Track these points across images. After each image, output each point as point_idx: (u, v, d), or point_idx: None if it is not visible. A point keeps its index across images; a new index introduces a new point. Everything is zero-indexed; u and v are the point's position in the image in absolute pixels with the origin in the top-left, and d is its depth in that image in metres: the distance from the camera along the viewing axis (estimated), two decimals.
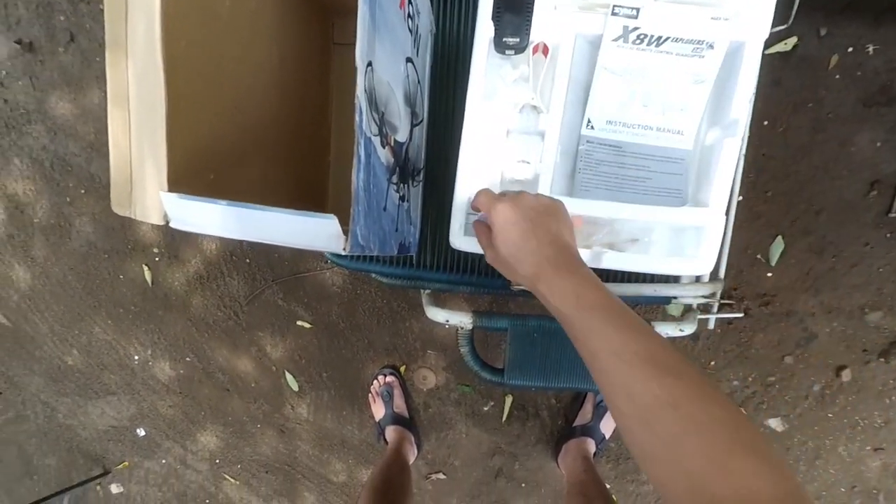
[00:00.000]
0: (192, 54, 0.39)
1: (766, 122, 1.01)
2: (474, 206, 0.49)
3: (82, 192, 1.27)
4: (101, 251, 1.30)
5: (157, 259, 1.27)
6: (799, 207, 1.03)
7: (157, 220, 0.41)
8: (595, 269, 0.64)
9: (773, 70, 0.99)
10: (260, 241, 0.40)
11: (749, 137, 1.02)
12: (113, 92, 0.43)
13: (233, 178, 0.47)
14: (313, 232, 0.38)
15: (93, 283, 1.33)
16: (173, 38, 0.37)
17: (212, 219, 0.38)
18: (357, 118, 0.37)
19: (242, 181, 0.49)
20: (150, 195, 0.42)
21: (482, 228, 0.49)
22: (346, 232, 0.38)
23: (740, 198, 1.04)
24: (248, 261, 1.23)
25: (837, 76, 0.97)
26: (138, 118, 0.42)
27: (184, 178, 0.41)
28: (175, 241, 1.25)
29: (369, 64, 0.40)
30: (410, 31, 0.53)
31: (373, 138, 0.43)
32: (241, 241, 1.23)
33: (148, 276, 1.28)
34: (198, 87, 0.40)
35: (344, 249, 0.39)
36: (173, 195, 0.38)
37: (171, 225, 0.40)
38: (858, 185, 1.01)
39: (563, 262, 0.41)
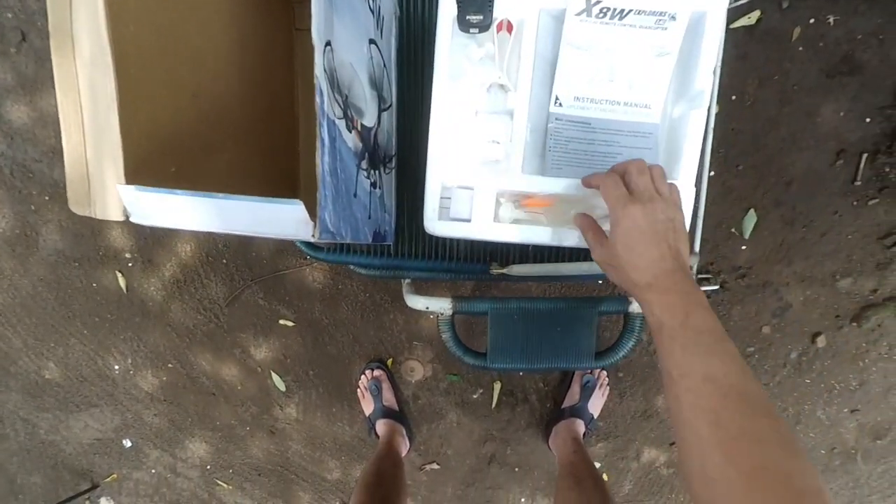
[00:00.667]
0: (143, 38, 0.38)
1: (734, 97, 1.02)
2: (588, 184, 0.49)
3: (46, 198, 1.23)
4: (70, 259, 1.26)
5: (130, 265, 1.24)
6: (769, 180, 1.05)
7: (116, 215, 0.40)
8: (570, 247, 0.64)
9: (739, 44, 1.00)
10: (226, 231, 0.39)
11: (718, 112, 1.03)
12: (61, 83, 0.41)
13: (197, 169, 0.46)
14: (280, 219, 0.37)
15: (65, 293, 1.29)
16: (120, 22, 0.36)
17: (174, 211, 0.37)
18: (318, 99, 0.36)
19: (208, 172, 0.47)
20: (109, 191, 0.41)
21: (589, 223, 0.48)
22: (314, 218, 0.37)
23: (712, 173, 1.07)
24: (224, 261, 1.21)
25: (801, 48, 0.99)
26: (91, 109, 0.40)
27: (143, 171, 0.40)
28: (148, 244, 1.22)
29: (328, 43, 0.39)
30: (372, 11, 0.52)
31: (337, 121, 0.42)
32: (216, 242, 1.20)
33: (122, 282, 1.25)
34: (152, 73, 0.39)
35: (313, 236, 0.38)
36: (131, 188, 0.36)
37: (132, 220, 0.39)
38: (825, 155, 1.03)
39: (679, 278, 0.41)
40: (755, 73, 1.01)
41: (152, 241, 1.22)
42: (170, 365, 1.31)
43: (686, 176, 0.55)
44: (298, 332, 1.24)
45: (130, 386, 1.35)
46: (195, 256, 1.22)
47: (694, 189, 0.55)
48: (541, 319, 0.62)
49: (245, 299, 1.23)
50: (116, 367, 1.34)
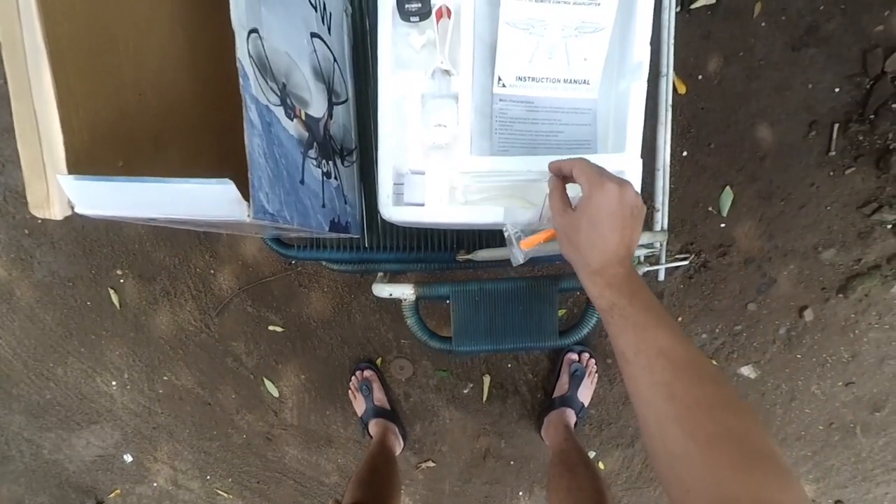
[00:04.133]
0: (80, 36, 0.40)
1: (700, 77, 1.03)
2: (558, 171, 0.47)
3: (39, 222, 1.26)
4: (65, 280, 1.28)
5: (121, 281, 1.26)
6: (743, 156, 1.05)
7: (63, 210, 0.41)
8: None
9: (702, 24, 1.01)
10: (166, 217, 0.40)
11: (686, 93, 1.04)
12: (15, 91, 0.43)
13: (147, 162, 0.48)
14: (213, 199, 0.38)
15: (61, 312, 1.31)
16: (53, 20, 0.38)
17: (110, 198, 0.39)
18: (242, 82, 0.37)
19: (160, 166, 0.49)
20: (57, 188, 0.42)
21: (559, 186, 0.47)
22: (247, 198, 0.39)
23: (685, 153, 1.07)
24: (212, 272, 1.23)
25: (763, 23, 1.00)
26: (43, 112, 0.42)
27: (87, 165, 0.41)
28: (137, 259, 1.25)
29: (254, 30, 0.40)
30: (314, 6, 0.54)
31: (273, 107, 0.43)
32: (202, 253, 1.22)
33: (115, 299, 1.27)
34: (91, 70, 0.41)
35: (248, 216, 0.39)
36: (70, 177, 0.38)
37: (76, 210, 0.40)
38: (797, 128, 1.03)
39: (627, 265, 0.42)
40: (720, 52, 1.02)
41: (141, 256, 1.25)
42: (165, 377, 1.33)
43: (632, 148, 0.55)
44: (288, 337, 1.25)
45: (128, 401, 1.37)
46: (183, 269, 1.24)
47: (640, 161, 0.56)
48: (502, 300, 0.63)
49: (234, 308, 1.25)
50: (114, 382, 1.36)
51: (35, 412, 1.42)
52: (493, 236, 0.70)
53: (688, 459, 0.33)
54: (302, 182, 0.50)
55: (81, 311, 1.31)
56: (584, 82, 0.55)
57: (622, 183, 0.42)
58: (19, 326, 1.35)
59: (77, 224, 1.28)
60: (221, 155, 0.60)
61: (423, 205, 0.57)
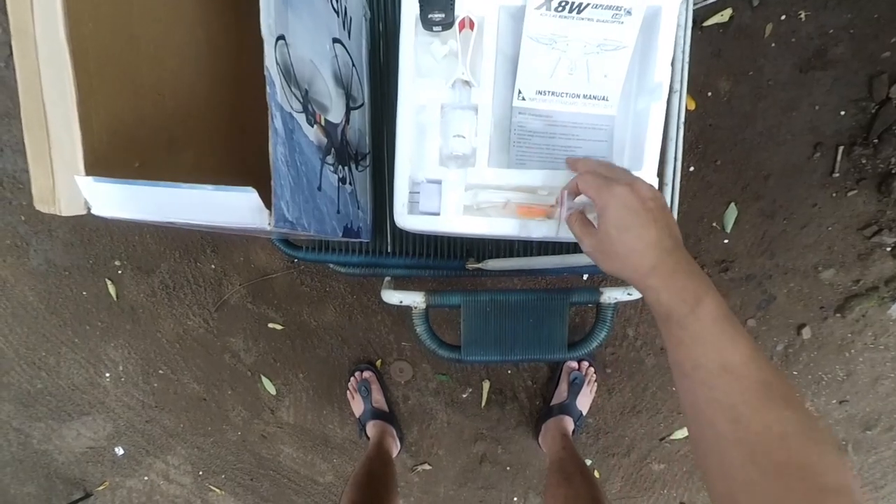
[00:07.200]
0: (102, 36, 0.39)
1: (710, 94, 1.04)
2: (573, 191, 0.46)
3: (37, 209, 1.24)
4: (61, 268, 1.27)
5: (119, 272, 1.25)
6: (748, 174, 1.06)
7: (78, 209, 0.41)
8: (540, 241, 0.65)
9: (713, 42, 1.02)
10: (183, 221, 0.40)
11: (695, 109, 1.05)
12: (24, 85, 0.42)
13: (162, 164, 0.47)
14: (235, 207, 0.38)
15: (56, 301, 1.30)
16: (78, 20, 0.37)
17: (132, 202, 0.38)
18: (269, 90, 0.37)
19: (174, 168, 0.49)
20: (72, 186, 0.42)
21: (575, 216, 0.46)
22: (269, 206, 0.38)
23: (691, 168, 1.08)
24: (213, 266, 1.22)
25: (773, 44, 1.01)
26: (53, 109, 0.41)
27: (104, 165, 0.41)
28: (137, 251, 1.23)
29: (281, 37, 0.40)
30: (336, 11, 0.54)
31: (295, 115, 0.43)
32: (204, 247, 1.21)
33: (112, 290, 1.26)
34: (112, 71, 0.40)
35: (269, 224, 0.39)
36: (88, 179, 0.37)
37: (93, 211, 0.40)
38: (802, 149, 1.04)
39: (682, 258, 0.38)
40: (730, 70, 1.03)
41: (141, 248, 1.23)
42: (160, 371, 1.32)
43: (649, 167, 0.56)
44: (287, 335, 1.24)
45: (122, 393, 1.35)
46: (184, 262, 1.23)
47: (657, 179, 0.56)
48: (513, 311, 0.63)
49: (234, 304, 1.24)
50: (108, 374, 1.34)
51: (25, 401, 1.41)
52: (503, 246, 0.70)
53: (749, 486, 0.31)
54: (319, 188, 0.49)
55: (77, 302, 1.29)
56: (604, 99, 0.56)
57: (631, 181, 0.41)
58: (12, 314, 1.33)
59: None
60: (234, 156, 0.59)
61: (438, 214, 0.57)
